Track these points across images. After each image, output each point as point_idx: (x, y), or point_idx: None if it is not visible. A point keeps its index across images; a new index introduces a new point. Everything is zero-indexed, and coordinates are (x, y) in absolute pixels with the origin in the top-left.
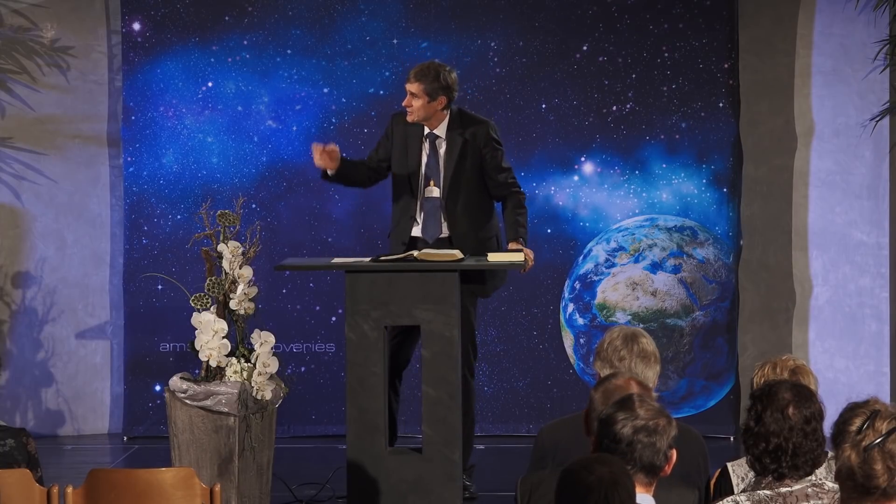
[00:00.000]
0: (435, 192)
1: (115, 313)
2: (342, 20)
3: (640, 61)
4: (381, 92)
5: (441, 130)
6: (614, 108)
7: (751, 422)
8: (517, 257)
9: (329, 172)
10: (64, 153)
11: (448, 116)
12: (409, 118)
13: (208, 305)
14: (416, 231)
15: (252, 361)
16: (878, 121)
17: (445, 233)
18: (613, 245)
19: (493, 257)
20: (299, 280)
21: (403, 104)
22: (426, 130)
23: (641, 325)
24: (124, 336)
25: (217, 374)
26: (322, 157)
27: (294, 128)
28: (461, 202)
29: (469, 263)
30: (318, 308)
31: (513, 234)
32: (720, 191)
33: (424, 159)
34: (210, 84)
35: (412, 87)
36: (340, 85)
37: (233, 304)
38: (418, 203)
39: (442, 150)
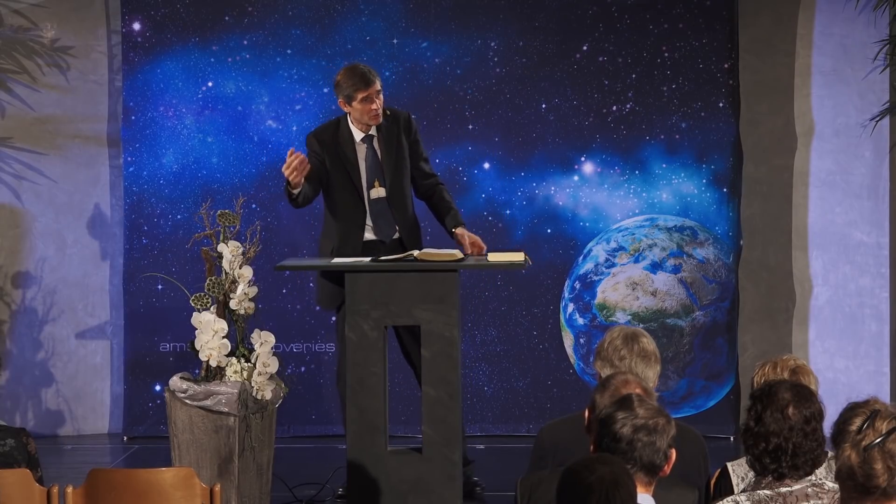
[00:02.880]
0: (381, 192)
1: (115, 313)
2: (342, 20)
3: (640, 61)
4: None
5: (373, 130)
6: (614, 108)
7: (751, 422)
8: (517, 257)
9: (294, 191)
10: (64, 153)
11: None
12: (378, 120)
13: (208, 305)
14: (369, 235)
15: (252, 361)
16: (878, 121)
17: (397, 232)
18: (613, 245)
19: (493, 257)
20: (299, 280)
21: (375, 108)
22: (360, 134)
23: (641, 325)
24: (124, 336)
25: (217, 374)
26: (297, 168)
27: (294, 128)
28: (403, 196)
29: (469, 263)
30: (318, 308)
31: (454, 221)
32: (720, 191)
33: (364, 163)
34: (210, 84)
35: (378, 85)
36: None
37: (233, 304)
38: (367, 207)
39: (379, 150)
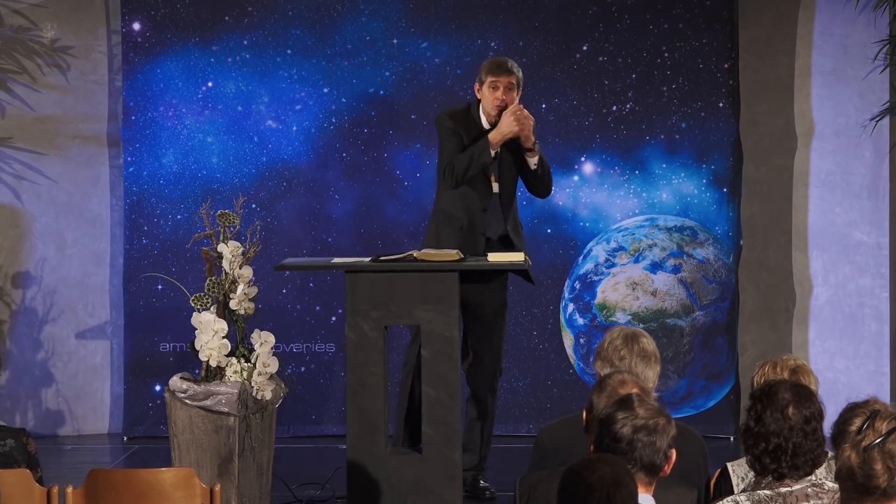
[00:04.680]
0: (496, 187)
1: (115, 313)
2: (342, 20)
3: (640, 61)
4: (381, 92)
5: None
6: (614, 108)
7: (751, 422)
8: (517, 257)
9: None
10: (64, 153)
11: None
12: (496, 112)
13: (208, 305)
14: (484, 227)
15: (252, 361)
16: (878, 121)
17: (504, 228)
18: (613, 245)
19: (493, 257)
20: (299, 280)
21: (499, 97)
22: (486, 125)
23: (641, 325)
24: (124, 336)
25: (217, 374)
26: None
27: (294, 128)
28: (512, 195)
29: (469, 263)
30: (318, 308)
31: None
32: (720, 191)
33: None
34: (210, 84)
35: (511, 78)
36: (340, 85)
37: (233, 304)
38: (485, 197)
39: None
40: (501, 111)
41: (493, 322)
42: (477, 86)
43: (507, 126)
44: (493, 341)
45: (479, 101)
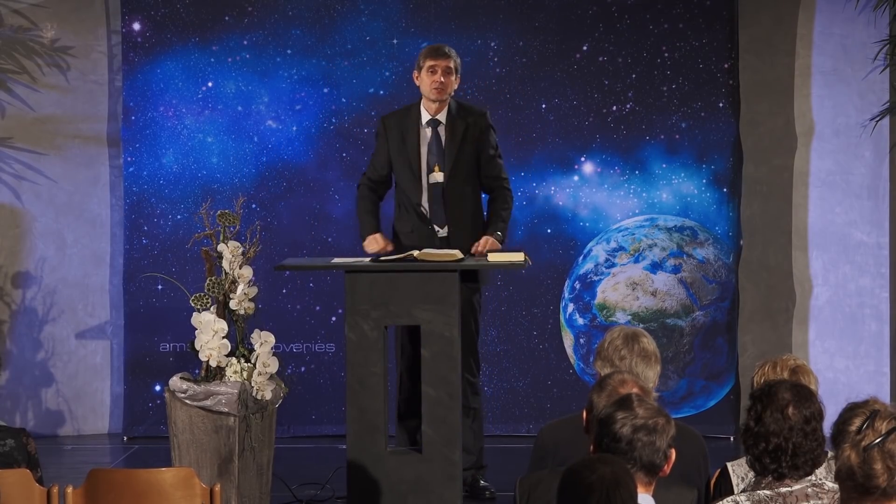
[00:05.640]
0: (439, 176)
1: (115, 313)
2: (342, 20)
3: (640, 61)
4: (381, 92)
5: (442, 116)
6: (614, 108)
7: (751, 422)
8: (517, 257)
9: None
10: (64, 153)
11: (447, 103)
12: (441, 96)
13: (208, 305)
14: (425, 220)
15: (252, 361)
16: (878, 121)
17: (446, 224)
18: (613, 245)
19: (493, 257)
20: (299, 280)
21: (438, 79)
22: (427, 116)
23: (641, 325)
24: (124, 336)
25: (217, 374)
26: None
27: (294, 128)
28: (461, 186)
29: (469, 263)
30: (318, 308)
31: (493, 227)
32: (720, 191)
33: (426, 146)
34: (210, 84)
35: (449, 62)
36: (340, 85)
37: (233, 304)
38: (424, 190)
39: (444, 135)
40: (440, 93)
41: (465, 318)
42: (415, 73)
43: (369, 247)
44: (464, 337)
45: (422, 97)
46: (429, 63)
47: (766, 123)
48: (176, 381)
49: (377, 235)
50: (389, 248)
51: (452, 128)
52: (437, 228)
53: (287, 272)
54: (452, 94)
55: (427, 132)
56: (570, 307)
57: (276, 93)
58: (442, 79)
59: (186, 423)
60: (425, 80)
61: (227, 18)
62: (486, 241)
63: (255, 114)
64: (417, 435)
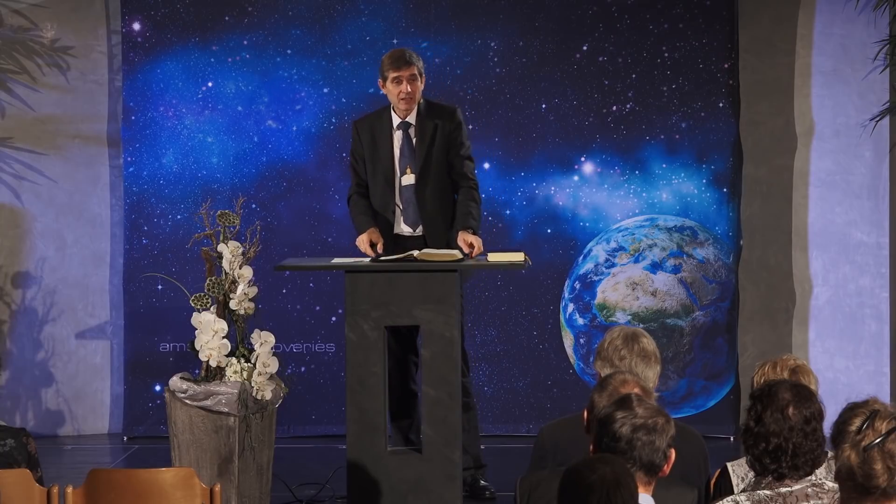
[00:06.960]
0: (411, 178)
1: (115, 313)
2: (342, 20)
3: (640, 61)
4: (381, 92)
5: (412, 118)
6: (614, 108)
7: (751, 422)
8: (517, 257)
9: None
10: (64, 153)
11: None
12: (410, 105)
13: (208, 305)
14: (401, 225)
15: (252, 361)
16: (878, 121)
17: (420, 228)
18: (613, 245)
19: (493, 257)
20: (299, 280)
21: (404, 90)
22: (397, 120)
23: (641, 325)
24: (124, 336)
25: (217, 374)
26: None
27: (294, 128)
28: (433, 186)
29: (469, 263)
30: (318, 308)
31: (463, 222)
32: (720, 191)
33: (398, 149)
34: (210, 84)
35: (412, 69)
36: (340, 85)
37: (233, 304)
38: (397, 193)
39: (414, 138)
40: (409, 103)
41: None
42: (381, 82)
43: (362, 246)
44: None
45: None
46: (392, 75)
47: (766, 123)
48: (176, 381)
49: (371, 230)
50: (380, 241)
51: (422, 129)
52: (410, 229)
53: (287, 272)
54: (420, 97)
55: (398, 135)
56: (570, 307)
57: (276, 93)
58: (408, 88)
59: (186, 423)
60: (392, 91)
61: (227, 18)
62: (476, 242)
63: (255, 114)
64: (410, 434)
